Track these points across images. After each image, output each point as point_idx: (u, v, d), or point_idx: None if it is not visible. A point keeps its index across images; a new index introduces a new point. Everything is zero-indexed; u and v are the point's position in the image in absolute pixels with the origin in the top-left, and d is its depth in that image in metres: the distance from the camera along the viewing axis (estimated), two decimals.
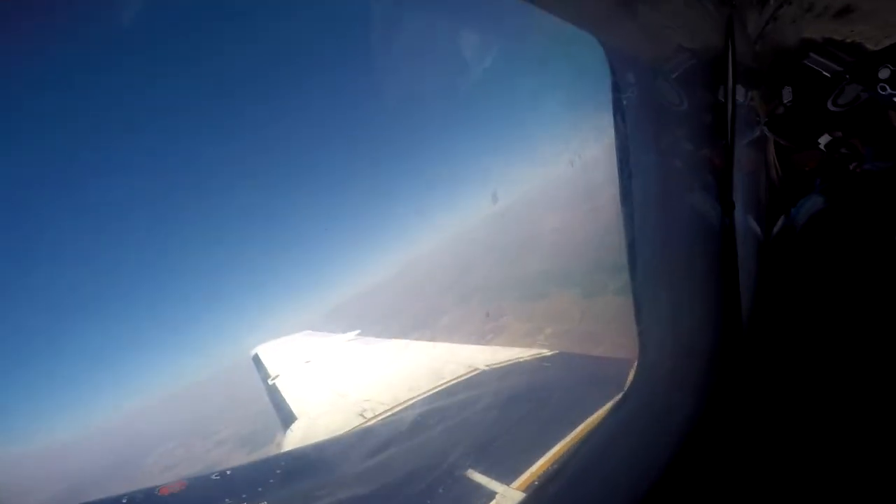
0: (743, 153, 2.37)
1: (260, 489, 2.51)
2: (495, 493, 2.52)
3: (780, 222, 2.60)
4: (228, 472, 2.72)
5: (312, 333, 5.19)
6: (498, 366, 4.28)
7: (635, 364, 2.61)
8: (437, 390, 3.90)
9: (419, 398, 3.76)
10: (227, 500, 2.37)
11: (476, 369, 4.23)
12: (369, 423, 3.55)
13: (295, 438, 3.64)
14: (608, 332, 4.00)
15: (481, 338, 4.79)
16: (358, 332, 5.08)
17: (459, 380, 4.06)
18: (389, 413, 3.66)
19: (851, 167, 2.27)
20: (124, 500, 2.34)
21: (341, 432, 3.54)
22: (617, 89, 1.97)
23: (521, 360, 4.34)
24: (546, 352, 4.36)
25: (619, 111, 2.03)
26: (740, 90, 2.12)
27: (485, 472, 2.67)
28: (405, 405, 3.70)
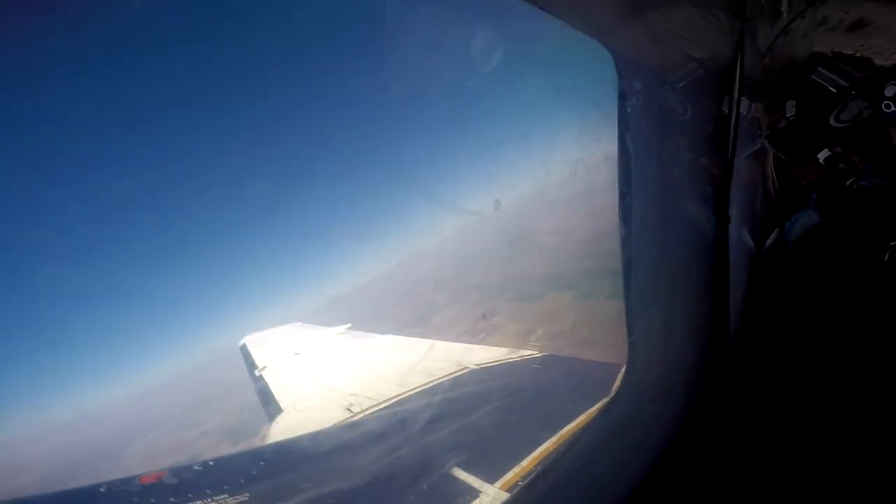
0: (742, 165, 2.38)
1: (242, 481, 2.50)
2: (479, 491, 2.52)
3: (773, 236, 2.61)
4: (211, 463, 2.70)
5: (303, 325, 5.15)
6: (487, 365, 4.28)
7: (623, 369, 2.63)
8: (425, 387, 3.89)
9: (407, 394, 3.75)
10: (208, 490, 2.35)
11: (466, 368, 4.23)
12: (356, 418, 3.54)
13: (280, 431, 3.62)
14: (599, 337, 4.01)
15: (473, 336, 4.78)
16: (349, 325, 5.06)
17: (449, 377, 4.05)
18: (377, 408, 3.64)
19: (848, 183, 2.28)
20: (103, 489, 2.32)
21: (327, 426, 3.53)
22: (623, 97, 1.97)
23: (510, 360, 4.35)
24: (536, 353, 4.36)
25: (623, 118, 2.03)
26: (745, 102, 2.12)
27: (470, 471, 2.67)
28: (393, 401, 3.69)
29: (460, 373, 4.16)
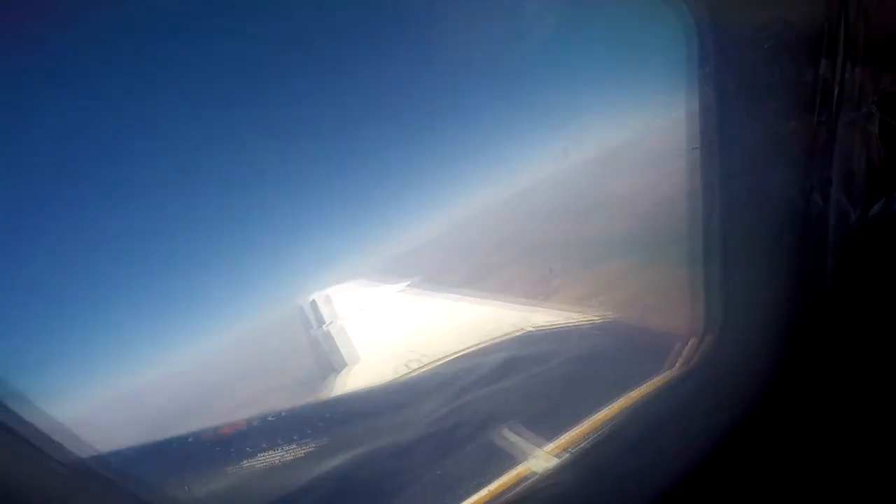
0: (843, 130, 2.08)
1: (309, 431, 2.76)
2: (527, 454, 2.58)
3: (878, 206, 2.30)
4: (283, 414, 3.00)
5: (366, 282, 5.40)
6: (546, 328, 4.25)
7: (695, 341, 2.51)
8: (481, 347, 3.97)
9: (463, 353, 3.86)
10: (279, 440, 2.62)
11: (523, 329, 4.24)
12: (412, 375, 3.72)
13: (343, 384, 3.90)
14: (668, 305, 3.80)
15: (532, 298, 4.76)
16: (408, 283, 5.22)
17: (505, 338, 4.10)
18: (432, 366, 3.80)
19: None
20: (190, 439, 2.67)
21: (384, 382, 3.74)
22: (705, 54, 1.81)
23: (570, 324, 4.28)
24: (598, 318, 4.25)
25: (706, 77, 1.86)
26: (846, 64, 1.82)
27: (520, 433, 2.74)
28: (448, 359, 3.82)
29: (517, 334, 4.18)
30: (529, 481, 2.32)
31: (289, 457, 2.59)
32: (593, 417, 2.66)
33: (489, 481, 2.31)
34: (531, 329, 4.25)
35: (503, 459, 2.56)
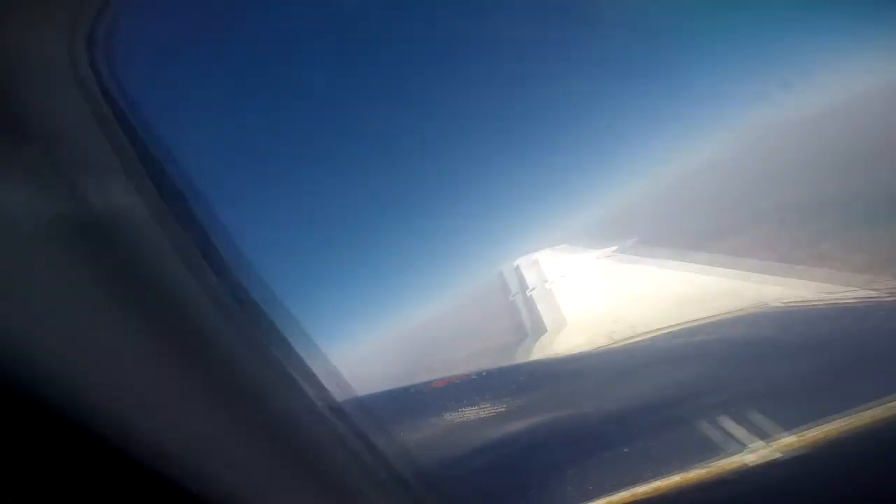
0: None
1: (504, 392, 3.06)
2: (746, 446, 2.28)
3: None
4: (484, 374, 3.41)
5: (570, 247, 5.35)
6: (797, 305, 3.46)
7: None
8: (701, 322, 3.50)
9: (678, 328, 3.49)
10: (477, 398, 3.01)
11: (763, 305, 3.55)
12: (617, 346, 3.59)
13: (541, 350, 4.05)
14: None
15: (783, 267, 3.91)
16: (616, 247, 4.96)
17: (734, 314, 3.51)
18: (639, 338, 3.58)
19: None
20: (413, 390, 3.35)
21: (584, 351, 3.71)
22: None
23: (838, 301, 3.36)
24: (883, 296, 3.21)
25: None
26: None
27: (740, 423, 2.42)
28: (660, 333, 3.52)
29: (754, 311, 3.50)
30: (738, 475, 2.08)
31: (485, 414, 2.94)
32: (844, 421, 2.15)
33: (687, 468, 2.16)
34: (776, 304, 3.53)
35: (711, 447, 2.33)
